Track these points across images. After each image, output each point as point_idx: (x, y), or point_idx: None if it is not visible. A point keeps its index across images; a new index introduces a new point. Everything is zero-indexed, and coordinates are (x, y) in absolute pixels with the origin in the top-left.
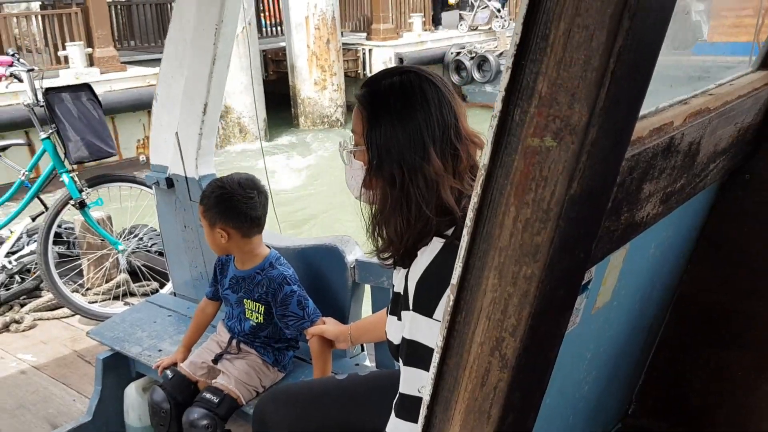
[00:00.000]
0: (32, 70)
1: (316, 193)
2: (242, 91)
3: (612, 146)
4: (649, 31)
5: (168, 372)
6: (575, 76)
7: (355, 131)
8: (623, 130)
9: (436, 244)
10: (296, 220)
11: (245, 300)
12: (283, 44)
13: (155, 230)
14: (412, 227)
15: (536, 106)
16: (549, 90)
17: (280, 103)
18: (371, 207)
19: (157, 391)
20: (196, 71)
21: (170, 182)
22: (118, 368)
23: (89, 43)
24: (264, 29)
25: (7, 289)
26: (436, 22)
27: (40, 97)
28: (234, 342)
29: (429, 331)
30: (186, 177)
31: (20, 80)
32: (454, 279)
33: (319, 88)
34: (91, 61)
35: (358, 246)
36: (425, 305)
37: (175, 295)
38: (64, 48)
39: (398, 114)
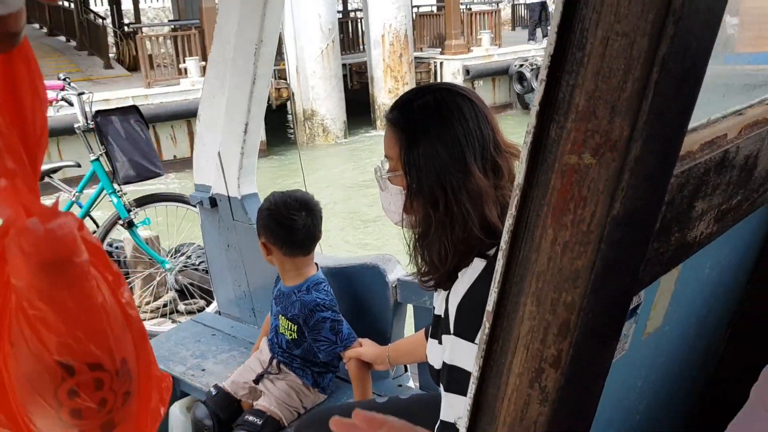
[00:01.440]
0: (82, 93)
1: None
2: (325, 98)
3: (658, 162)
4: (696, 37)
5: (212, 389)
6: (615, 87)
7: (390, 156)
8: (670, 145)
9: (478, 265)
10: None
11: (280, 315)
12: (365, 58)
13: (202, 248)
14: (456, 249)
15: (573, 120)
16: (587, 103)
17: (362, 109)
18: (414, 232)
19: (200, 407)
20: (236, 91)
21: (213, 202)
22: None
23: (203, 58)
24: (348, 46)
25: None
26: (531, 36)
27: (90, 119)
28: (274, 362)
29: (470, 356)
30: (228, 196)
31: (71, 104)
32: (490, 305)
33: (392, 95)
34: (204, 72)
35: (399, 264)
36: (466, 329)
37: (219, 313)
38: (184, 62)
39: (436, 132)
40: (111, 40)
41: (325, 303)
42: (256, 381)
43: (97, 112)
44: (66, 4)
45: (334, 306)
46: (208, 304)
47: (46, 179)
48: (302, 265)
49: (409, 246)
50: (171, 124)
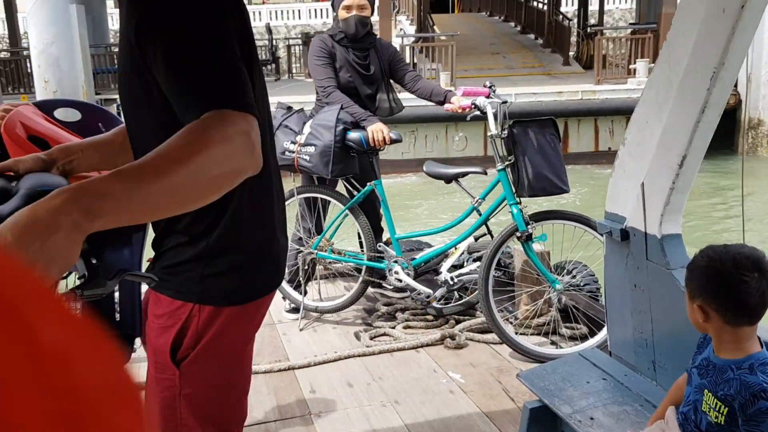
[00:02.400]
0: (505, 102)
1: None
2: None
3: None
4: None
5: None
6: None
7: None
8: None
9: None
10: None
11: (705, 390)
12: None
13: (588, 268)
14: None
15: None
16: None
17: None
18: None
19: None
20: (678, 118)
21: (625, 235)
22: (544, 422)
23: (653, 60)
24: None
25: (446, 303)
26: None
27: (504, 128)
28: None
29: None
30: (646, 233)
31: (483, 113)
32: None
33: None
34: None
35: None
36: None
37: (611, 354)
38: (635, 62)
39: None
40: (573, 39)
41: None
42: None
43: (515, 121)
44: (539, 6)
45: None
46: (590, 332)
47: (453, 183)
48: (745, 338)
49: None
50: (611, 118)
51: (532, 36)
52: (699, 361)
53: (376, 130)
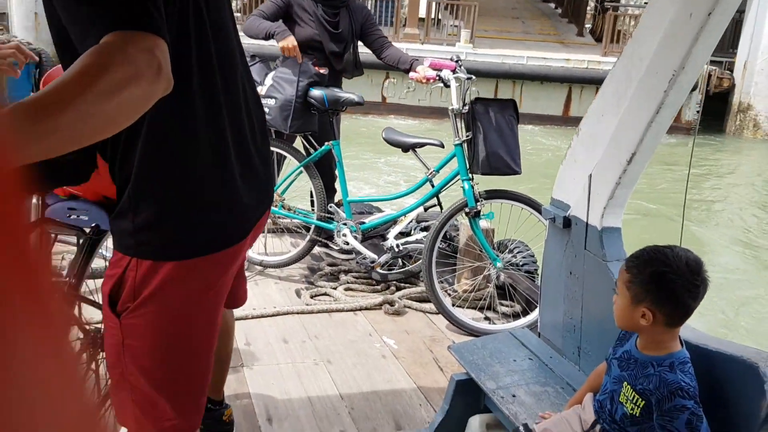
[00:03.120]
0: (470, 78)
1: None
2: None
3: None
4: None
5: (521, 429)
6: None
7: None
8: None
9: None
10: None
11: (625, 383)
12: None
13: (529, 249)
14: None
15: None
16: None
17: None
18: None
19: None
20: (634, 115)
21: (567, 222)
22: (468, 394)
23: None
24: None
25: (390, 269)
26: None
27: (465, 104)
28: (597, 428)
29: None
30: (587, 223)
31: (447, 86)
32: None
33: None
34: None
35: None
36: None
37: (539, 335)
38: None
39: None
40: (591, 12)
41: (689, 390)
42: None
43: (477, 99)
44: None
45: (697, 397)
46: (523, 311)
47: (410, 152)
48: (672, 338)
49: None
50: None
51: (553, 5)
52: (620, 353)
53: (286, 43)
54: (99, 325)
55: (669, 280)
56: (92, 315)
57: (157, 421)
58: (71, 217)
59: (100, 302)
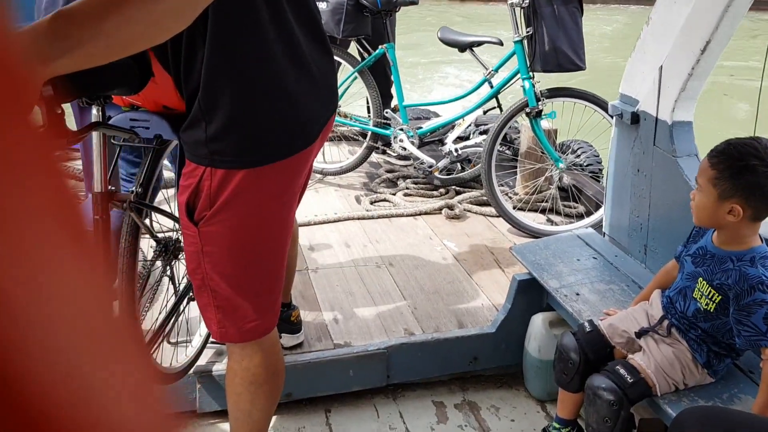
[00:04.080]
0: None
1: None
2: None
3: None
4: None
5: (586, 324)
6: None
7: None
8: None
9: None
10: None
11: (700, 279)
12: None
13: (593, 148)
14: None
15: None
16: None
17: None
18: None
19: (569, 338)
20: (708, 1)
21: (636, 118)
22: (531, 293)
23: None
24: None
25: (449, 174)
26: None
27: None
28: (665, 323)
29: None
30: (657, 118)
31: None
32: None
33: None
34: None
35: None
36: None
37: (604, 235)
38: None
39: None
40: None
41: None
42: (638, 335)
43: None
44: None
45: None
46: (587, 212)
47: (467, 52)
48: (754, 232)
49: None
50: None
51: None
52: (693, 250)
53: None
54: (171, 234)
55: (761, 173)
56: (164, 224)
57: (239, 322)
58: (133, 128)
59: (170, 211)
